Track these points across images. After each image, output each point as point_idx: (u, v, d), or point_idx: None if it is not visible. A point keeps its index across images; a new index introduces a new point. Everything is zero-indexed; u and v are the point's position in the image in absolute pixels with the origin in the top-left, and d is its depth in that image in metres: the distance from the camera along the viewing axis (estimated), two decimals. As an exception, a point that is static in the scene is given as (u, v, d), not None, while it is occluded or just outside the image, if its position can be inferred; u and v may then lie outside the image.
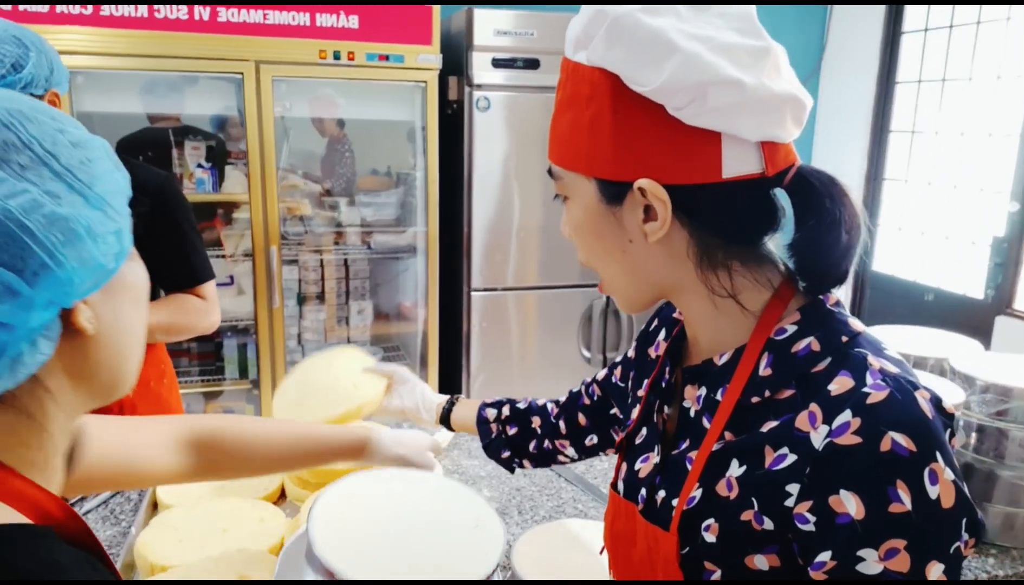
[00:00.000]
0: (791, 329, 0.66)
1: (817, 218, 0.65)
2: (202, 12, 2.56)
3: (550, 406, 1.14)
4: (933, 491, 0.55)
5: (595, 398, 1.09)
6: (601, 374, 1.08)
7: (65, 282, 0.51)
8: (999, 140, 3.16)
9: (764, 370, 0.66)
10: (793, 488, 0.60)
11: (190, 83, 2.94)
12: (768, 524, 0.62)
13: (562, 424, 1.11)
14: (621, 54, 0.63)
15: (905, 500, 0.55)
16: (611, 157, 0.65)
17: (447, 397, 1.28)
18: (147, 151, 2.90)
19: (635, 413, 0.84)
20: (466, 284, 3.08)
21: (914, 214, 3.63)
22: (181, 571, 1.04)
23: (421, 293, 3.13)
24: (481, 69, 2.90)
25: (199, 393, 3.13)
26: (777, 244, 0.71)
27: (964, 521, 0.57)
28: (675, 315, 0.85)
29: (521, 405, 1.16)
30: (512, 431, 1.15)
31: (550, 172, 0.71)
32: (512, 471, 1.18)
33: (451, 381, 3.24)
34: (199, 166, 2.87)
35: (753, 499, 0.63)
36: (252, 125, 2.70)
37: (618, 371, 1.01)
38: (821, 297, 0.69)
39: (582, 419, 1.09)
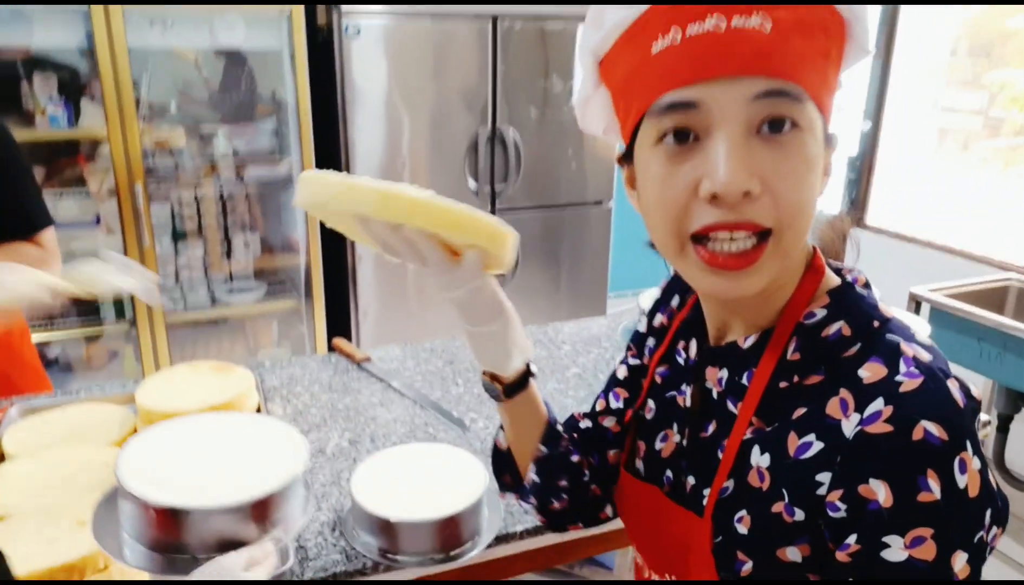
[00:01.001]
0: (820, 313, 0.64)
1: None
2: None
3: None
4: (962, 480, 0.55)
5: (622, 417, 0.89)
6: (622, 372, 0.91)
7: None
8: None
9: (792, 354, 0.64)
10: (824, 477, 0.59)
11: (39, 12, 2.74)
12: (799, 515, 0.61)
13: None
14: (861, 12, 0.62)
15: (935, 489, 0.54)
16: (831, 96, 0.62)
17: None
18: (-9, 85, 2.72)
19: (643, 386, 0.82)
20: (348, 215, 3.06)
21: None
22: (15, 520, 1.07)
23: (301, 225, 3.10)
24: (349, -6, 2.82)
25: (80, 336, 3.05)
26: None
27: (989, 511, 0.57)
28: None
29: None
30: (575, 459, 0.87)
31: (775, 93, 0.57)
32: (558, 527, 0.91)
33: (340, 317, 3.25)
34: (50, 100, 2.71)
35: (784, 490, 0.62)
36: (104, 57, 2.56)
37: (628, 362, 0.90)
38: (850, 279, 0.67)
39: (613, 455, 0.89)
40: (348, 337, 3.21)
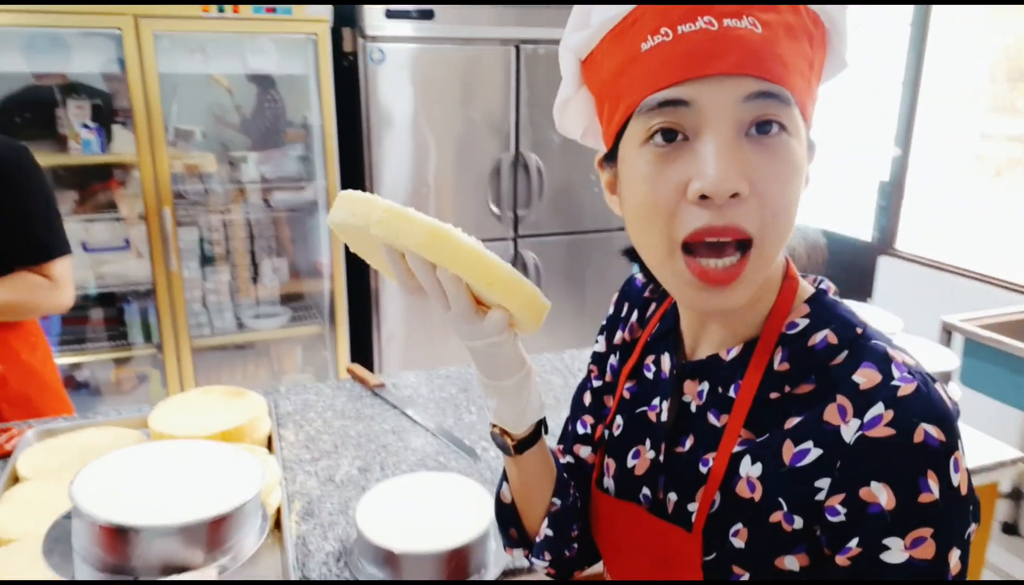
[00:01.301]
0: (803, 323, 0.65)
1: None
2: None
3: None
4: (956, 479, 0.56)
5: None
6: (587, 398, 0.89)
7: None
8: (885, 87, 3.28)
9: (780, 365, 0.65)
10: (823, 483, 0.59)
11: (78, 39, 2.83)
12: (798, 523, 0.61)
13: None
14: (840, 15, 0.62)
15: (934, 489, 0.55)
16: (812, 104, 0.63)
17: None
18: (28, 112, 2.79)
19: (611, 402, 0.81)
20: (372, 240, 3.08)
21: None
22: (24, 543, 1.07)
23: (326, 251, 3.13)
24: (374, 20, 2.86)
25: (109, 359, 3.09)
26: None
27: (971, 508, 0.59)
28: (646, 294, 0.83)
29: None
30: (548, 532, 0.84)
31: (763, 95, 0.57)
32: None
33: (363, 342, 3.26)
34: (84, 126, 2.78)
35: (781, 499, 0.62)
36: (135, 82, 2.62)
37: (593, 384, 0.88)
38: (823, 287, 0.69)
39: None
40: (370, 362, 3.21)
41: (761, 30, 0.56)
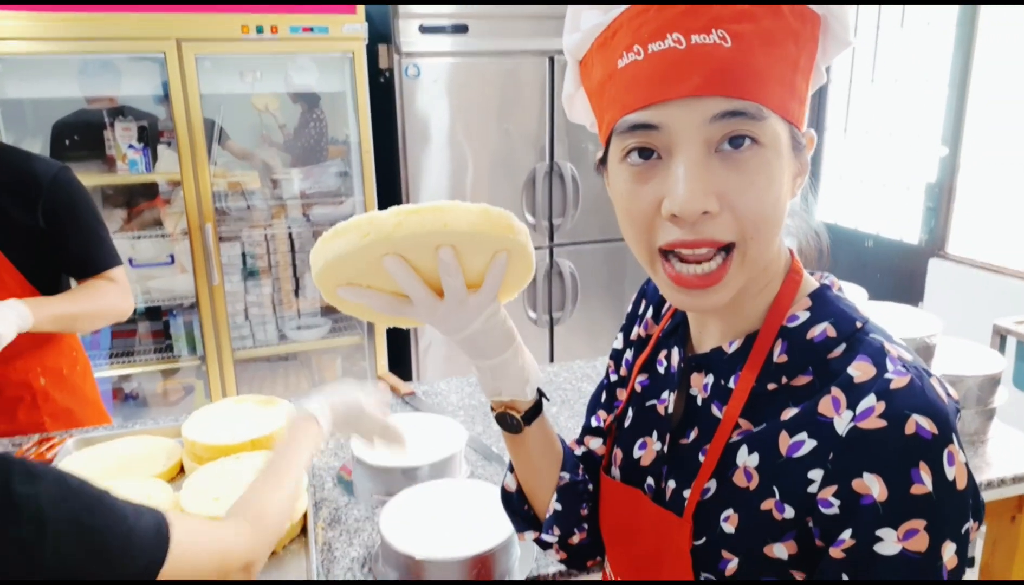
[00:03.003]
0: (803, 316, 0.65)
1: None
2: (117, -8, 2.54)
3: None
4: (951, 472, 0.56)
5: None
6: (603, 396, 0.90)
7: None
8: (931, 87, 3.19)
9: (779, 357, 0.65)
10: (816, 474, 0.60)
11: (126, 64, 2.93)
12: (789, 512, 0.61)
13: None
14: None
15: (927, 481, 0.55)
16: (801, 103, 0.62)
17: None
18: (76, 134, 2.90)
19: (623, 394, 0.82)
20: (409, 252, 3.11)
21: (853, 163, 3.67)
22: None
23: (365, 263, 3.16)
24: (409, 36, 2.89)
25: (157, 370, 3.18)
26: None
27: (971, 503, 0.58)
28: (661, 292, 0.83)
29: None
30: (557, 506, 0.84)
31: (732, 114, 0.57)
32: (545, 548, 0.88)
33: (400, 353, 3.28)
34: (131, 147, 2.87)
35: (774, 487, 0.62)
36: (178, 103, 2.70)
37: (611, 378, 0.89)
38: (826, 282, 0.69)
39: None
40: (408, 372, 3.23)
41: (731, 43, 0.57)
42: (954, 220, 3.19)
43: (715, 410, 0.69)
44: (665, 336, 0.79)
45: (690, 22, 0.56)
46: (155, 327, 3.22)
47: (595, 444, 0.88)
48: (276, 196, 3.18)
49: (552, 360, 3.41)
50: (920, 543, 0.56)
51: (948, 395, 0.60)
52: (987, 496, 1.39)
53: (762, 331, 0.67)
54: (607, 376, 0.90)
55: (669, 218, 0.59)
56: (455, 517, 1.18)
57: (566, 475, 0.83)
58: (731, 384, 0.68)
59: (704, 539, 0.66)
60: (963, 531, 0.58)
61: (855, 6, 3.48)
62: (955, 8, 3.03)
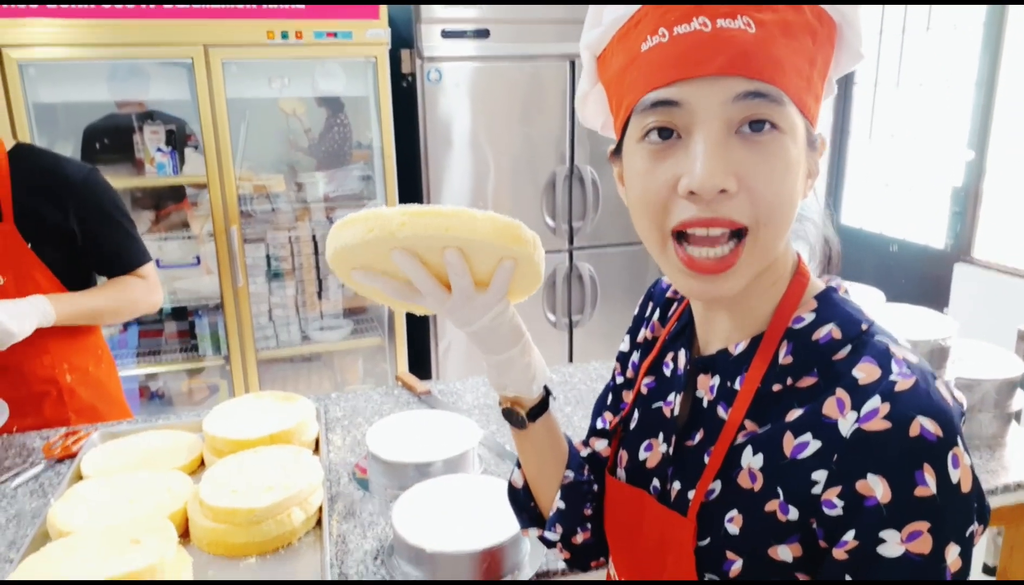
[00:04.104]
0: (809, 317, 0.66)
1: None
2: (147, -2, 2.61)
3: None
4: (955, 475, 0.56)
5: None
6: (609, 398, 0.90)
7: None
8: (956, 90, 3.16)
9: (784, 358, 0.65)
10: (820, 475, 0.60)
11: (156, 68, 3.00)
12: (793, 514, 0.61)
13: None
14: (851, 9, 0.63)
15: (931, 483, 0.55)
16: (816, 101, 0.63)
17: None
18: (107, 138, 2.97)
19: (629, 396, 0.83)
20: (430, 254, 3.13)
21: (878, 167, 3.63)
22: (81, 536, 1.13)
23: (386, 265, 3.19)
24: (431, 41, 2.93)
25: (182, 369, 3.24)
26: None
27: (975, 506, 0.58)
28: (669, 294, 0.84)
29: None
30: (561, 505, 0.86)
31: (753, 94, 0.58)
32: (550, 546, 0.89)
33: (420, 354, 3.31)
34: (159, 150, 2.94)
35: (779, 488, 0.62)
36: (205, 108, 2.76)
37: (618, 380, 0.90)
38: (833, 285, 0.69)
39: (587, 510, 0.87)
40: (428, 372, 3.26)
41: (755, 30, 0.58)
42: (980, 225, 3.15)
43: (721, 412, 0.69)
44: (672, 338, 0.79)
45: (716, 7, 0.58)
46: (181, 327, 3.28)
47: (600, 446, 0.89)
48: (300, 199, 3.23)
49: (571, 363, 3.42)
50: (923, 545, 0.56)
51: (954, 398, 0.60)
52: (1005, 500, 1.38)
53: (768, 332, 0.67)
54: (613, 378, 0.91)
55: (686, 195, 0.59)
56: (467, 511, 1.20)
57: (571, 474, 0.84)
58: (736, 385, 0.68)
59: (708, 540, 0.66)
60: (967, 534, 0.57)
61: (871, 15, 3.46)
62: (983, 9, 3.00)
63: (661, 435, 0.75)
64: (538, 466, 0.86)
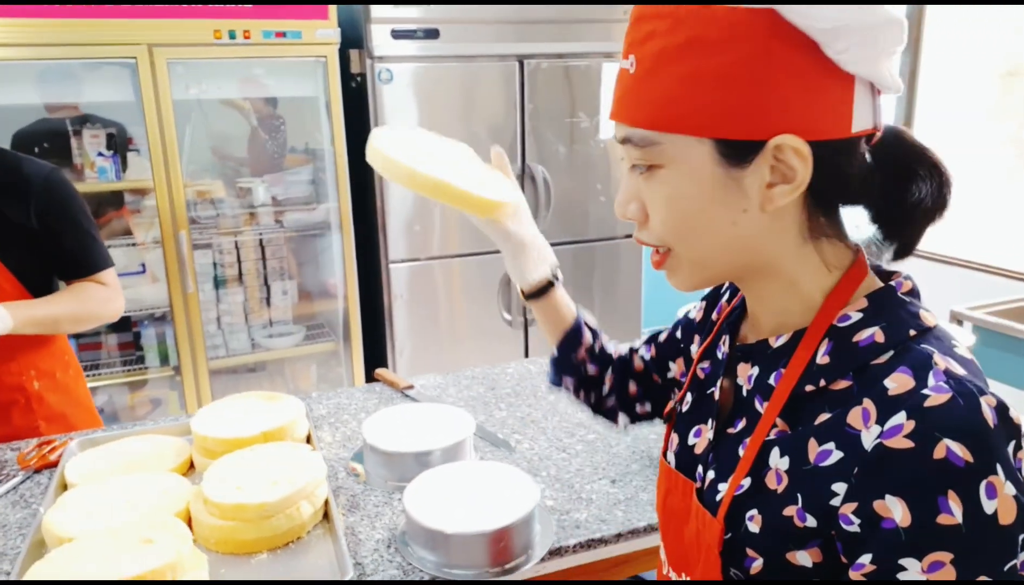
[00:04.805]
0: (855, 316, 0.63)
1: (910, 183, 0.64)
2: (87, -3, 2.51)
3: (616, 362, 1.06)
4: (990, 506, 0.52)
5: (648, 363, 1.01)
6: (663, 336, 1.00)
7: None
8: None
9: (822, 358, 0.63)
10: (840, 487, 0.58)
11: (88, 70, 2.89)
12: (811, 522, 0.60)
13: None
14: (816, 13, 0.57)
15: (956, 512, 0.52)
16: (746, 111, 0.58)
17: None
18: (43, 143, 2.85)
19: (686, 380, 0.83)
20: (384, 257, 3.13)
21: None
22: (86, 540, 1.09)
23: (339, 269, 3.17)
24: (381, 41, 2.92)
25: (123, 383, 3.12)
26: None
27: (1022, 539, 0.54)
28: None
29: (610, 348, 1.05)
30: (592, 370, 1.03)
31: (625, 140, 0.62)
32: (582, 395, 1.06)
33: (376, 356, 3.29)
34: (100, 154, 2.83)
35: (799, 495, 0.61)
36: (151, 110, 2.68)
37: (679, 333, 0.97)
38: (894, 283, 0.65)
39: (633, 388, 1.02)
40: (386, 376, 3.24)
41: (635, 69, 0.62)
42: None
43: (757, 404, 0.69)
44: (727, 322, 0.79)
45: (631, 43, 0.64)
46: (123, 338, 3.16)
47: (637, 362, 1.03)
48: (245, 204, 3.16)
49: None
50: (947, 576, 0.52)
51: (1004, 418, 0.55)
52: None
53: (810, 329, 0.65)
54: (677, 326, 0.98)
55: None
56: (474, 496, 1.22)
57: (555, 352, 1.05)
58: (772, 381, 0.67)
59: (731, 535, 0.66)
60: (1006, 568, 0.53)
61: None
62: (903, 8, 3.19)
63: (710, 421, 0.76)
64: (549, 337, 1.06)
